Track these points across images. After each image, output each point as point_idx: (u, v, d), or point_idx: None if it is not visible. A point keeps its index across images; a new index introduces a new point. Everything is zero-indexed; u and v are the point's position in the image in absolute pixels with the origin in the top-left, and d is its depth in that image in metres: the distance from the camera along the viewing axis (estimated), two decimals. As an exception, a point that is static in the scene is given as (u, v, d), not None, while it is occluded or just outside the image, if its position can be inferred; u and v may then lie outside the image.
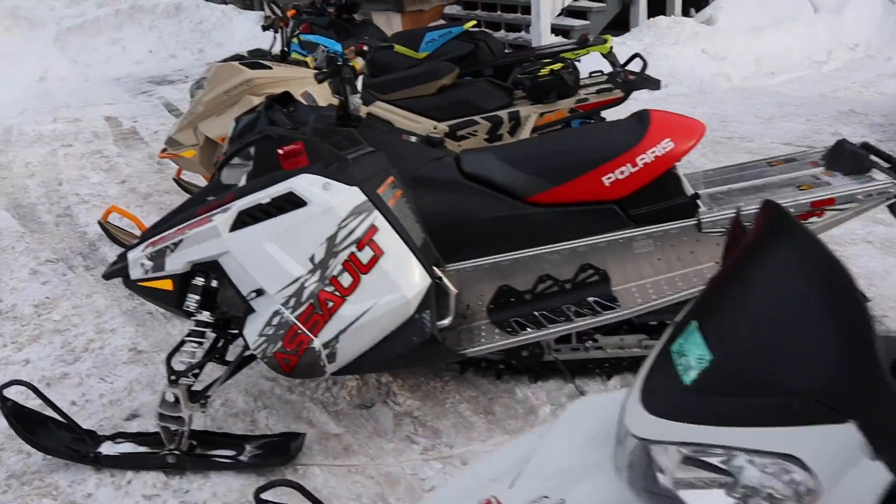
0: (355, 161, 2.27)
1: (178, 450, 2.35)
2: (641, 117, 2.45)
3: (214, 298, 2.35)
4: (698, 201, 2.42)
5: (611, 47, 4.25)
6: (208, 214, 2.25)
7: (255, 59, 4.01)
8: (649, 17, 7.27)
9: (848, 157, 2.48)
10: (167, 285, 2.36)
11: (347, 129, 2.39)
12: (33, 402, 2.52)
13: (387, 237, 2.23)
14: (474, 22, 4.76)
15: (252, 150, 2.33)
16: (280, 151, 2.26)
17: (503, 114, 3.75)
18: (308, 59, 4.07)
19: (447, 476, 2.31)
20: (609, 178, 2.35)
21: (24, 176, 5.54)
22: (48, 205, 4.95)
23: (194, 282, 2.32)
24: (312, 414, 2.63)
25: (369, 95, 3.85)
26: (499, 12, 7.81)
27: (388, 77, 3.96)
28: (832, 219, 2.43)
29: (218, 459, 2.37)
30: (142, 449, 2.43)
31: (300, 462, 2.39)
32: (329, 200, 2.17)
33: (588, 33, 4.51)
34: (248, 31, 10.36)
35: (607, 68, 4.07)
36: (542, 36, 6.59)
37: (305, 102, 3.56)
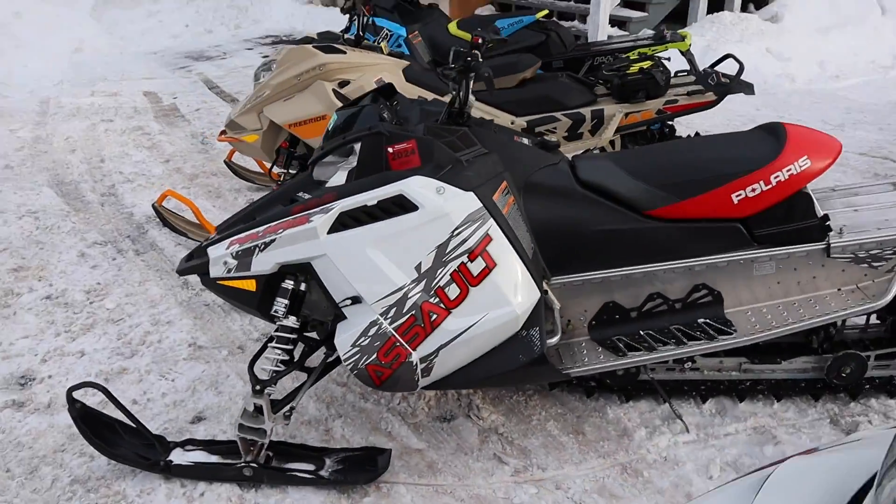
0: (469, 164, 2.09)
1: (255, 462, 2.19)
2: (775, 130, 2.25)
3: (301, 303, 2.18)
4: (829, 223, 2.22)
5: (690, 45, 4.04)
6: (306, 213, 2.07)
7: (327, 42, 3.82)
8: (708, 12, 7.00)
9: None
10: (250, 286, 2.19)
11: (461, 128, 2.20)
12: (93, 400, 2.37)
13: (500, 248, 2.04)
14: (546, 11, 4.52)
15: (357, 146, 2.15)
16: (390, 150, 2.08)
17: (586, 111, 3.55)
18: (383, 45, 3.87)
19: (542, 502, 2.14)
20: (739, 195, 2.15)
21: (64, 151, 5.38)
22: (91, 182, 4.79)
23: (283, 285, 2.15)
24: (391, 426, 2.46)
25: (445, 86, 3.66)
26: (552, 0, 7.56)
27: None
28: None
29: (297, 474, 2.21)
30: (215, 458, 2.27)
31: (384, 479, 2.22)
32: (443, 206, 1.98)
33: (665, 28, 4.27)
34: (287, 9, 10.17)
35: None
36: (600, 27, 6.35)
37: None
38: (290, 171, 3.80)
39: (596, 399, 2.53)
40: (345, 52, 3.59)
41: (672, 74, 3.73)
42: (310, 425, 2.49)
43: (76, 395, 2.19)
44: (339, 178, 2.21)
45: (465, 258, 2.02)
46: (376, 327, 2.06)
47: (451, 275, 2.03)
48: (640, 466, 2.24)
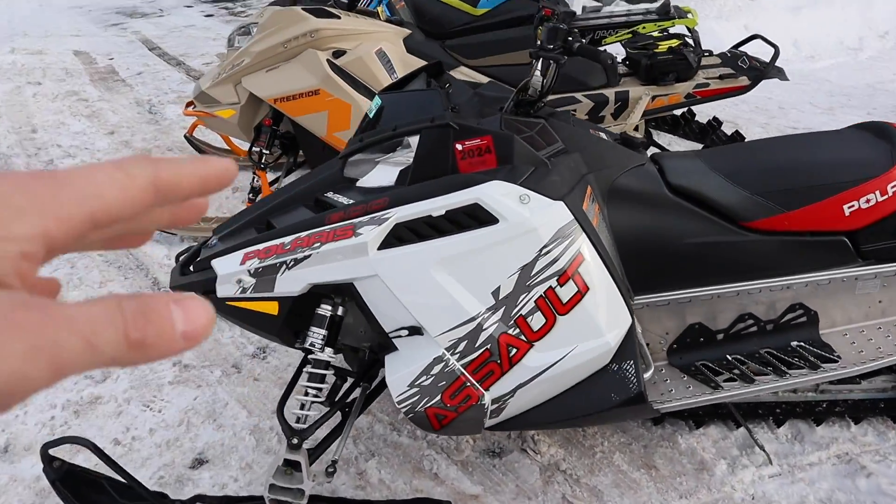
0: (554, 165, 1.73)
1: (290, 526, 1.80)
2: (885, 132, 1.98)
3: (338, 331, 1.80)
4: None
5: (697, 22, 3.76)
6: (348, 223, 1.67)
7: (316, 5, 3.33)
8: (683, -15, 6.77)
9: None
10: (270, 308, 1.78)
11: (538, 120, 1.83)
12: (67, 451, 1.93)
13: (594, 269, 1.70)
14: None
15: (412, 140, 1.75)
16: (458, 147, 1.69)
17: (609, 93, 3.22)
18: (379, 10, 3.41)
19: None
20: (851, 206, 1.88)
21: (-14, 118, 4.68)
22: (25, 157, 4.16)
23: (320, 311, 1.76)
24: (435, 464, 2.11)
25: (450, 58, 3.25)
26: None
27: (475, 38, 3.35)
28: None
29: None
30: (236, 521, 1.87)
31: (442, 538, 1.88)
32: (529, 219, 1.62)
33: (670, 2, 3.97)
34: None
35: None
36: None
37: (379, 62, 2.96)
38: (273, 151, 3.32)
39: (662, 426, 2.25)
40: (339, 17, 3.12)
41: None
42: (339, 467, 2.11)
43: (54, 451, 1.75)
44: (377, 178, 1.82)
45: (553, 282, 1.67)
46: (441, 364, 1.70)
47: (535, 301, 1.68)
48: (729, 509, 1.98)
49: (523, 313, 1.68)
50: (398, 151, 1.86)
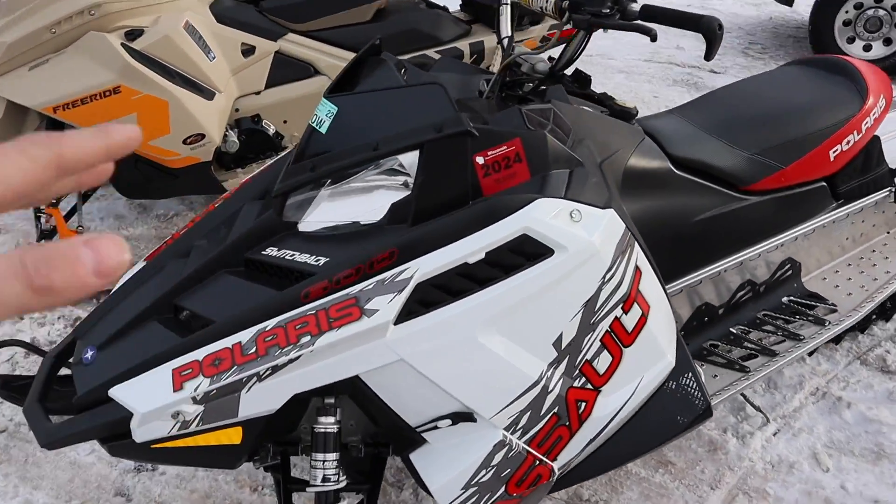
0: (584, 161, 1.35)
1: None
2: (840, 66, 1.89)
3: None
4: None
5: None
6: (345, 296, 1.16)
7: None
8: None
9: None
10: (229, 437, 1.25)
11: (546, 104, 1.41)
12: None
13: (649, 281, 1.39)
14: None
15: (405, 159, 1.26)
16: (480, 161, 1.24)
17: (463, 45, 2.85)
18: None
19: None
20: (835, 150, 1.79)
21: None
22: None
23: (320, 428, 1.26)
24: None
25: (273, 25, 2.63)
26: None
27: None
28: None
29: None
30: None
31: None
32: (590, 240, 1.24)
33: None
34: None
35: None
36: None
37: (191, 38, 2.31)
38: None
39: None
40: (123, -15, 2.33)
41: None
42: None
43: None
44: (327, 216, 1.32)
45: (619, 310, 1.33)
46: (504, 450, 1.30)
47: (601, 340, 1.33)
48: (758, 483, 1.86)
49: (588, 358, 1.33)
50: (359, 175, 1.35)
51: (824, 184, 1.85)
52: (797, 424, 2.04)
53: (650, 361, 1.42)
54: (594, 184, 1.34)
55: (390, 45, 2.72)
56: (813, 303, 1.90)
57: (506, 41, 1.47)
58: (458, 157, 1.23)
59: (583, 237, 1.24)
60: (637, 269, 1.35)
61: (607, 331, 1.33)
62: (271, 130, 2.67)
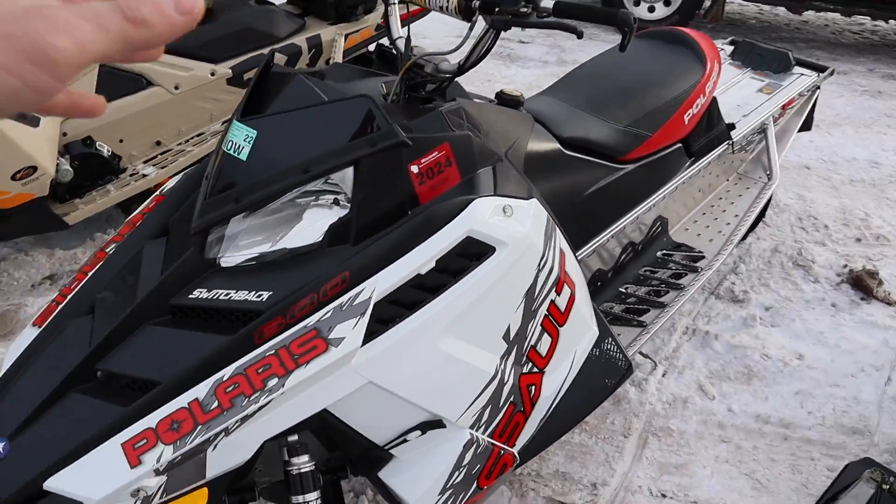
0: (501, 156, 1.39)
1: None
2: (677, 37, 2.07)
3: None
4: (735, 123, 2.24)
5: None
6: (303, 329, 1.11)
7: None
8: None
9: (770, 57, 2.58)
10: (195, 501, 1.16)
11: (454, 102, 1.40)
12: None
13: (571, 260, 1.47)
14: None
15: (340, 177, 1.20)
16: (415, 169, 1.22)
17: (300, 41, 2.75)
18: None
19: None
20: (688, 114, 1.97)
21: None
22: None
23: (296, 469, 1.21)
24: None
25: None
26: None
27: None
28: (790, 113, 2.53)
29: None
30: None
31: None
32: (524, 233, 1.29)
33: None
34: None
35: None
36: None
37: None
38: None
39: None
40: None
41: None
42: None
43: None
44: (249, 248, 1.24)
45: (553, 294, 1.40)
46: (473, 447, 1.32)
47: (542, 324, 1.39)
48: (661, 423, 2.04)
49: (532, 343, 1.39)
50: (303, 203, 1.27)
51: (680, 145, 2.05)
52: (679, 363, 2.26)
53: (580, 335, 1.51)
54: (514, 176, 1.38)
55: (224, 46, 2.59)
56: (683, 252, 2.10)
57: (400, 41, 1.45)
58: (394, 168, 1.21)
59: (518, 230, 1.28)
60: (561, 251, 1.42)
61: (545, 314, 1.39)
62: (107, 152, 2.42)
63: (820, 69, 2.66)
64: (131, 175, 2.49)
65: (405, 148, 1.20)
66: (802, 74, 2.57)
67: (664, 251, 2.11)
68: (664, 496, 1.85)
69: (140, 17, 0.39)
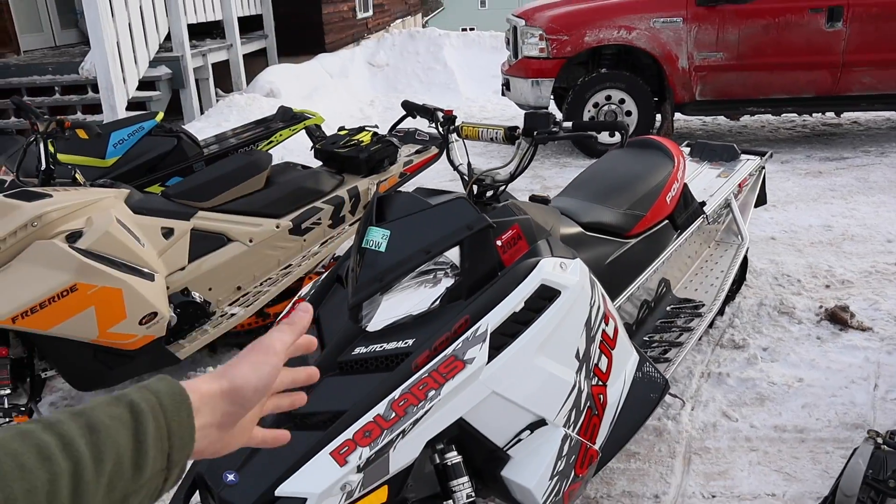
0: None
1: None
2: (651, 143, 2.71)
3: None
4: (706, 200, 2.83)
5: (323, 119, 4.22)
6: (445, 356, 1.59)
7: (14, 187, 2.59)
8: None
9: (720, 151, 3.25)
10: (379, 498, 1.58)
11: (508, 201, 1.96)
12: None
13: (610, 303, 1.97)
14: (161, 113, 3.93)
15: (448, 255, 1.72)
16: (499, 243, 1.76)
17: (342, 193, 3.35)
18: (78, 175, 2.83)
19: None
20: (670, 195, 2.55)
21: None
22: None
23: (450, 459, 1.63)
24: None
25: (183, 207, 2.95)
26: (58, 95, 6.46)
27: (193, 182, 3.07)
28: (746, 190, 3.16)
29: None
30: None
31: None
32: (578, 280, 1.80)
33: (287, 107, 4.27)
34: None
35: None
36: (118, 109, 5.81)
37: (125, 230, 2.61)
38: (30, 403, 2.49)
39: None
40: (51, 196, 2.54)
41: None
42: None
43: None
44: (391, 315, 1.72)
45: (602, 324, 1.89)
46: (569, 441, 1.76)
47: (599, 348, 1.87)
48: (698, 444, 2.45)
49: (596, 362, 1.86)
50: (405, 282, 1.76)
51: (668, 221, 2.61)
52: (703, 398, 2.69)
53: (627, 357, 1.98)
54: (561, 245, 1.91)
55: (283, 204, 3.19)
56: (687, 305, 2.61)
57: (463, 167, 2.02)
58: (486, 243, 1.74)
59: (574, 279, 1.79)
60: (602, 294, 1.92)
61: (600, 340, 1.87)
62: (199, 299, 2.92)
63: (761, 153, 3.33)
64: (221, 316, 2.98)
65: (491, 229, 1.74)
66: (749, 159, 3.22)
67: (672, 306, 2.62)
68: (714, 496, 2.23)
69: (292, 319, 0.78)
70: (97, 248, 2.53)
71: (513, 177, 1.94)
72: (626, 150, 2.78)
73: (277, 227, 3.13)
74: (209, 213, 2.99)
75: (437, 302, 1.70)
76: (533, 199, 2.24)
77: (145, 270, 2.66)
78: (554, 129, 1.88)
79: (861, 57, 5.90)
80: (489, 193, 1.99)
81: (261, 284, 3.12)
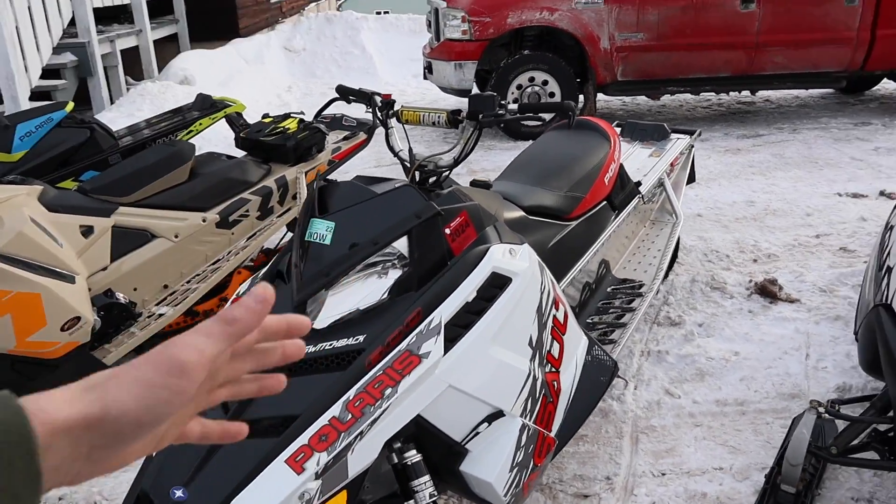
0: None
1: None
2: (588, 124, 2.70)
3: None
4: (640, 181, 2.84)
5: (245, 107, 4.06)
6: (400, 352, 1.53)
7: None
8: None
9: (651, 130, 3.28)
10: (339, 502, 1.52)
11: (452, 187, 1.90)
12: None
13: (558, 288, 1.95)
14: (71, 103, 3.67)
15: (397, 244, 1.65)
16: (447, 231, 1.70)
17: (270, 183, 3.21)
18: None
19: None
20: (608, 176, 2.55)
21: None
22: None
23: (409, 460, 1.58)
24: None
25: (103, 203, 2.77)
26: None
27: (112, 176, 2.87)
28: (678, 169, 3.21)
29: None
30: None
31: None
32: (528, 266, 1.77)
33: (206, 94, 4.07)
34: None
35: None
36: (21, 101, 5.43)
37: (38, 228, 2.44)
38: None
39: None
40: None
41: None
42: None
43: None
44: (336, 310, 1.65)
45: (553, 309, 1.87)
46: (526, 430, 1.73)
47: (551, 333, 1.85)
48: (645, 423, 2.48)
49: (548, 348, 1.84)
50: (350, 275, 1.69)
51: (606, 202, 2.62)
52: (645, 377, 2.73)
53: (577, 342, 1.97)
54: (508, 230, 1.87)
55: (209, 196, 3.04)
56: (627, 285, 2.63)
57: (404, 152, 1.95)
58: (435, 232, 1.68)
59: (524, 265, 1.76)
60: (551, 279, 1.90)
61: (552, 326, 1.85)
62: (125, 300, 2.75)
63: (690, 132, 3.39)
64: (148, 317, 2.82)
65: (440, 217, 1.68)
66: (679, 138, 3.27)
67: (612, 286, 2.63)
68: (664, 474, 2.26)
69: (231, 316, 0.54)
70: (10, 251, 2.33)
71: (457, 162, 1.89)
72: (561, 132, 2.77)
73: (204, 220, 2.98)
74: (131, 209, 2.81)
75: (386, 294, 1.64)
76: (474, 183, 2.20)
77: (64, 272, 2.47)
78: (500, 112, 1.83)
79: (774, 37, 6.12)
80: (432, 180, 1.93)
81: (188, 282, 2.97)
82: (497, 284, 1.69)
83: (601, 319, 2.49)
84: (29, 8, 5.63)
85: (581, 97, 6.25)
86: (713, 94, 7.13)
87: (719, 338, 2.91)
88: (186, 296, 2.91)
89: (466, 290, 1.63)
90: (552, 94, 6.04)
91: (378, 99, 2.07)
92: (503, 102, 1.87)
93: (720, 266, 3.52)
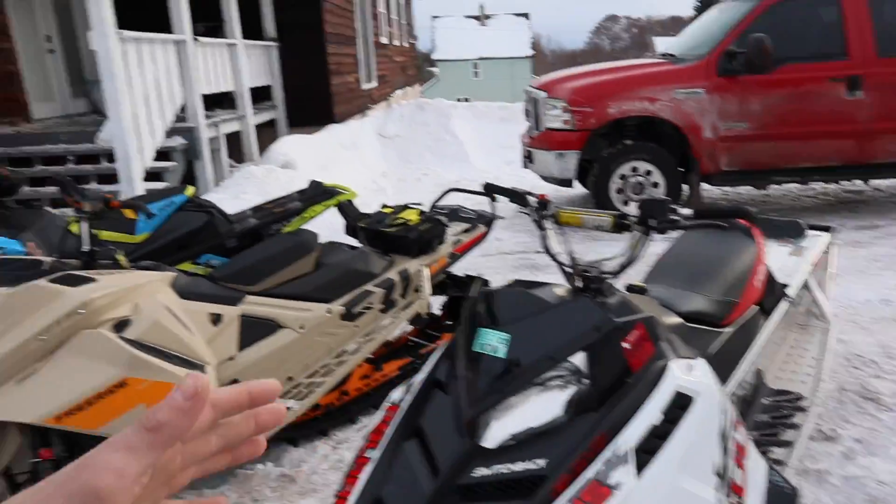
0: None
1: None
2: (738, 227, 2.54)
3: None
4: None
5: (357, 194, 4.06)
6: (587, 481, 1.38)
7: (30, 268, 2.39)
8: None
9: (785, 227, 3.11)
10: None
11: (614, 295, 1.76)
12: None
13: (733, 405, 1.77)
14: (192, 188, 3.77)
15: (574, 359, 1.52)
16: (626, 346, 1.56)
17: (393, 275, 3.15)
18: (120, 257, 2.64)
19: None
20: (758, 280, 2.37)
21: None
22: None
23: None
24: None
25: (231, 291, 2.75)
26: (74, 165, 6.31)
27: (240, 264, 2.87)
28: (819, 269, 3.01)
29: None
30: None
31: None
32: (709, 383, 1.61)
33: (315, 182, 4.11)
34: None
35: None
36: (135, 182, 5.66)
37: (175, 319, 2.41)
38: None
39: None
40: (95, 280, 2.33)
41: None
42: None
43: None
44: (501, 430, 1.51)
45: (734, 432, 1.68)
46: (714, 575, 1.52)
47: (734, 460, 1.66)
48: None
49: (732, 477, 1.64)
50: (523, 392, 1.56)
51: (757, 307, 2.43)
52: (808, 501, 2.45)
53: (756, 466, 1.77)
54: (681, 343, 1.72)
55: (338, 286, 2.99)
56: (784, 398, 2.40)
57: (565, 256, 1.84)
58: (614, 347, 1.54)
59: (705, 382, 1.60)
60: (727, 396, 1.72)
61: (734, 450, 1.66)
62: (248, 391, 2.69)
63: (825, 229, 3.18)
64: (270, 409, 2.74)
65: (619, 331, 1.55)
66: (816, 235, 3.07)
67: (768, 399, 2.41)
68: None
69: (155, 421, 0.44)
70: (147, 339, 2.31)
71: (622, 269, 1.77)
72: (702, 231, 2.62)
73: (329, 312, 2.92)
74: (258, 298, 2.78)
75: (563, 413, 1.50)
76: (630, 289, 2.06)
77: (196, 361, 2.43)
78: (674, 218, 1.71)
79: (885, 125, 5.88)
80: (594, 286, 1.81)
81: (313, 374, 2.89)
82: (679, 405, 1.53)
83: (763, 437, 2.26)
84: (146, 95, 5.96)
85: (685, 187, 6.11)
86: (821, 182, 6.86)
87: (885, 457, 2.62)
88: (312, 389, 2.83)
89: (652, 412, 1.47)
90: (655, 185, 5.92)
91: (533, 200, 1.99)
92: (674, 207, 1.75)
93: (868, 373, 3.23)
